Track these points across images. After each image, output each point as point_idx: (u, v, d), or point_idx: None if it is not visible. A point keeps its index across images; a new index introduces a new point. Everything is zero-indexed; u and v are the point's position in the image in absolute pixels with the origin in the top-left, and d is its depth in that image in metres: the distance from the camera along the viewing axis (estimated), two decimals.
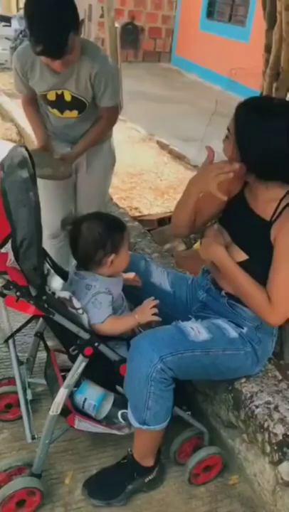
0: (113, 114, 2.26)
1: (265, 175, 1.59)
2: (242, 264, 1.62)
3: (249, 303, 1.64)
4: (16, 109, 6.10)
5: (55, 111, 2.20)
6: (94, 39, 10.15)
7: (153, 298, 1.69)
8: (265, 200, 1.63)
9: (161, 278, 1.92)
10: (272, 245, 1.58)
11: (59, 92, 2.11)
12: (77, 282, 1.63)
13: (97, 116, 2.24)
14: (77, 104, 2.14)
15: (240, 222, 1.68)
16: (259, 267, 1.60)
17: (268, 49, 2.60)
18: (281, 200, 1.59)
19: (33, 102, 2.28)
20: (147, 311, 1.66)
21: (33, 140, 4.88)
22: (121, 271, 1.70)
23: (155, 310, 1.66)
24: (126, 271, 1.76)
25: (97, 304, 1.59)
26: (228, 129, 1.59)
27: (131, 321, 1.65)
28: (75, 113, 2.18)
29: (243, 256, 1.64)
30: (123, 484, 1.69)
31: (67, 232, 1.70)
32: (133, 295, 1.76)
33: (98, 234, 1.59)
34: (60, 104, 2.15)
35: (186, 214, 1.78)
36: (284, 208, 1.58)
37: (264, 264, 1.59)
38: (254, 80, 3.71)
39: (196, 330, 1.62)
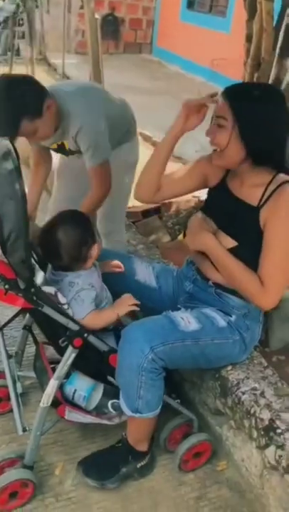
0: (100, 172, 2.09)
1: (262, 161, 1.59)
2: (231, 251, 1.63)
3: (241, 288, 1.65)
4: None
5: (61, 155, 2.30)
6: (74, 31, 10.06)
7: (130, 295, 1.70)
8: (252, 185, 1.63)
9: (146, 274, 1.92)
10: (262, 230, 1.59)
11: (59, 142, 2.15)
12: (59, 281, 1.63)
13: None
14: (78, 151, 2.14)
15: (226, 210, 1.68)
16: (248, 253, 1.61)
17: (248, 39, 2.61)
18: (268, 184, 1.60)
19: (41, 161, 2.37)
20: (125, 302, 1.67)
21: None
22: (96, 257, 1.68)
23: (134, 301, 1.67)
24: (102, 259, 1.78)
25: (80, 300, 1.60)
26: (221, 117, 1.55)
27: (111, 315, 1.66)
28: (79, 155, 2.18)
29: (231, 242, 1.64)
30: (117, 467, 1.71)
31: (38, 247, 1.65)
32: (118, 296, 1.74)
33: (78, 234, 1.60)
34: (62, 151, 2.22)
35: (153, 174, 1.78)
36: (272, 193, 1.58)
37: (253, 249, 1.60)
38: (235, 71, 3.72)
39: (186, 320, 1.64)
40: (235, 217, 1.65)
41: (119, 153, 2.25)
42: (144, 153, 4.79)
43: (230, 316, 1.72)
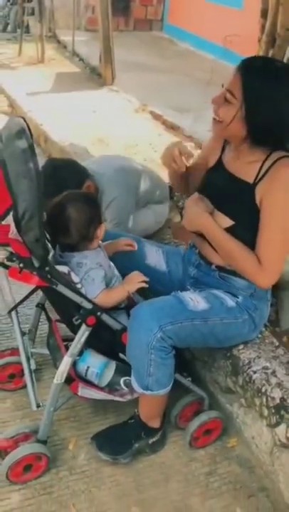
0: None
1: (262, 142, 1.57)
2: (228, 230, 1.61)
3: (239, 267, 1.64)
4: (7, 80, 5.99)
5: None
6: (84, 7, 9.88)
7: (138, 272, 1.71)
8: (248, 161, 1.61)
9: (156, 258, 1.92)
10: (258, 207, 1.57)
11: None
12: (68, 262, 1.63)
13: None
14: None
15: (222, 188, 1.67)
16: (246, 231, 1.60)
17: (264, 14, 2.55)
18: (264, 161, 1.57)
19: None
20: (135, 279, 1.69)
21: (25, 112, 4.82)
22: (101, 239, 1.69)
23: (143, 278, 1.69)
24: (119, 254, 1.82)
25: (90, 280, 1.61)
26: (230, 93, 1.52)
27: (121, 292, 1.67)
28: None
29: (228, 222, 1.62)
30: (130, 442, 1.75)
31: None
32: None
33: (89, 212, 1.60)
34: None
35: (177, 180, 1.87)
36: (268, 169, 1.56)
37: (250, 227, 1.58)
38: (248, 48, 3.65)
39: (195, 300, 1.65)
40: (231, 196, 1.63)
41: (151, 210, 2.55)
42: (154, 130, 4.74)
43: (238, 298, 1.72)
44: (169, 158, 1.69)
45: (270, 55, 2.53)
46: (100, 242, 1.71)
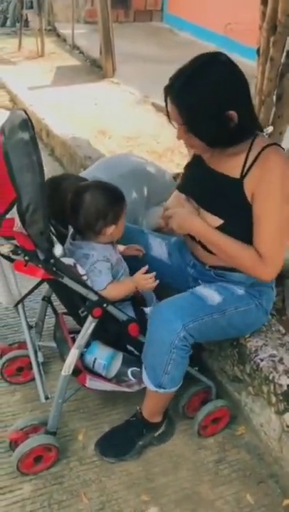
0: None
1: (228, 139, 1.52)
2: (218, 230, 1.57)
3: (240, 265, 1.60)
4: (8, 75, 5.98)
5: None
6: None
7: (147, 268, 1.68)
8: (230, 154, 1.56)
9: (160, 250, 1.92)
10: (248, 202, 1.53)
11: None
12: (74, 252, 1.64)
13: None
14: None
15: (206, 186, 1.61)
16: (237, 229, 1.56)
17: (264, 1, 2.52)
18: (248, 152, 1.52)
19: None
20: (144, 278, 1.66)
21: (27, 106, 4.81)
22: (117, 238, 1.69)
23: (151, 277, 1.66)
24: (123, 242, 1.80)
25: (97, 272, 1.61)
26: (177, 124, 1.50)
27: (129, 286, 1.67)
28: None
29: (217, 221, 1.57)
30: (133, 441, 1.75)
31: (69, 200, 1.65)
32: (136, 269, 1.73)
33: (102, 205, 1.59)
34: None
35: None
36: (254, 161, 1.51)
37: (241, 224, 1.55)
38: (250, 37, 3.62)
39: (210, 294, 1.65)
40: (217, 194, 1.58)
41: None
42: (156, 122, 4.72)
43: (240, 289, 1.70)
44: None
45: (271, 42, 2.50)
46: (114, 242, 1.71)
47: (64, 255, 1.54)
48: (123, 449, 1.75)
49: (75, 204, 1.60)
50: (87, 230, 1.62)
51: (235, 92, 1.46)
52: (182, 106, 1.46)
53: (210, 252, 1.66)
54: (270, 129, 2.68)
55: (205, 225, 1.59)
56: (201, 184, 1.64)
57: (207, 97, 1.43)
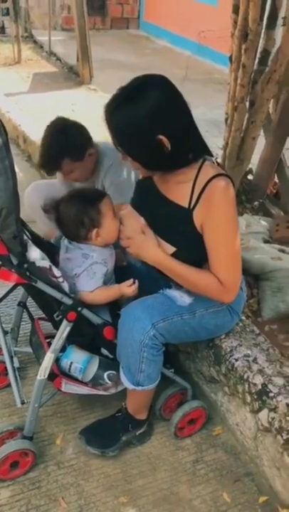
0: None
1: (162, 167, 1.53)
2: (173, 256, 1.57)
3: (202, 292, 1.60)
4: None
5: None
6: (59, 6, 9.84)
7: (132, 280, 1.69)
8: (176, 182, 1.56)
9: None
10: (198, 231, 1.53)
11: None
12: (74, 250, 1.67)
13: None
14: None
15: (157, 213, 1.59)
16: (190, 255, 1.56)
17: (235, 10, 2.57)
18: (195, 181, 1.52)
19: None
20: (130, 287, 1.68)
21: (3, 113, 4.79)
22: (113, 240, 1.68)
23: (136, 286, 1.69)
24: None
25: (92, 273, 1.63)
26: (116, 146, 1.52)
27: (116, 292, 1.69)
28: None
29: (170, 248, 1.57)
30: (118, 435, 1.77)
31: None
32: (116, 276, 1.76)
33: (73, 214, 1.61)
34: None
35: None
36: (201, 191, 1.50)
37: (194, 251, 1.56)
38: (223, 44, 3.69)
39: (180, 295, 1.67)
40: (168, 221, 1.58)
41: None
42: None
43: None
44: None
45: (243, 49, 2.56)
46: (111, 245, 1.72)
47: (42, 258, 1.55)
48: (107, 441, 1.77)
49: (57, 219, 1.65)
50: (76, 238, 1.66)
51: (169, 117, 1.43)
52: (114, 129, 1.47)
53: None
54: (219, 154, 2.73)
55: (162, 255, 1.56)
56: (153, 210, 1.61)
57: (137, 122, 1.41)
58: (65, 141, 2.04)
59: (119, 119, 1.44)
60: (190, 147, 1.51)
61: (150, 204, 1.63)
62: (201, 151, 1.56)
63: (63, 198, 1.67)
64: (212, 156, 1.60)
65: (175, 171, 1.54)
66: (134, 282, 1.69)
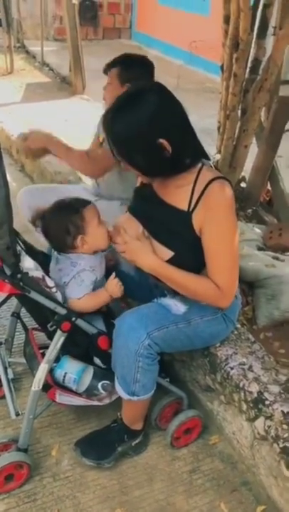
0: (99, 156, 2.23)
1: (161, 173, 1.54)
2: (169, 262, 1.57)
3: (199, 298, 1.60)
4: None
5: None
6: (52, 17, 9.88)
7: (116, 278, 1.69)
8: (175, 186, 1.57)
9: (128, 265, 1.86)
10: (197, 235, 1.54)
11: None
12: (64, 260, 1.67)
13: None
14: None
15: (155, 217, 1.61)
16: (187, 260, 1.56)
17: (226, 20, 2.60)
18: (194, 184, 1.53)
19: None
20: (114, 284, 1.68)
21: None
22: (102, 246, 1.67)
23: (120, 283, 1.69)
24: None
25: (79, 280, 1.63)
26: (117, 156, 1.53)
27: (104, 296, 1.68)
28: None
29: (168, 253, 1.57)
30: (113, 446, 1.75)
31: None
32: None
33: (58, 222, 1.62)
34: None
35: None
36: (201, 194, 1.51)
37: (191, 255, 1.56)
38: (214, 53, 3.72)
39: (174, 303, 1.66)
40: (166, 225, 1.58)
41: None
42: None
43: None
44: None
45: (234, 58, 2.58)
46: (102, 252, 1.72)
47: (36, 268, 1.55)
48: (103, 453, 1.75)
49: (43, 232, 1.66)
50: (64, 248, 1.65)
51: (168, 120, 1.45)
52: (114, 138, 1.48)
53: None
54: (217, 156, 2.75)
55: (158, 261, 1.55)
56: (151, 215, 1.62)
57: (137, 128, 1.43)
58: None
59: (119, 128, 1.45)
60: (189, 150, 1.53)
61: (149, 209, 1.64)
62: (200, 154, 1.58)
63: (48, 209, 1.67)
64: (209, 159, 1.62)
65: (175, 176, 1.55)
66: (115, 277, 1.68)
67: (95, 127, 2.52)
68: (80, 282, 1.64)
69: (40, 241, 1.91)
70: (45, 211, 1.67)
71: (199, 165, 1.56)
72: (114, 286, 1.68)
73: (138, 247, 1.57)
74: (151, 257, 1.56)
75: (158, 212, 1.61)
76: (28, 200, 2.35)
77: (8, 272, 1.42)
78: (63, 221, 1.62)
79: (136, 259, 1.59)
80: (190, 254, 1.57)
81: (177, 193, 1.57)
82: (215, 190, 1.51)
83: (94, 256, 1.68)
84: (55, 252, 1.70)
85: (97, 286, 1.70)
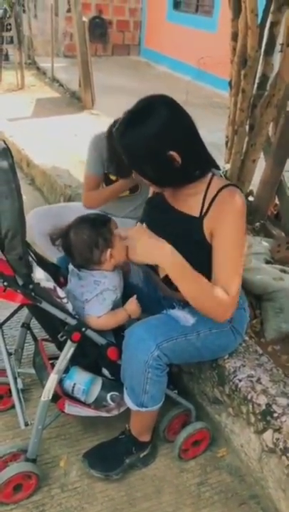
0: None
1: (173, 183, 1.58)
2: None
3: (208, 303, 1.54)
4: None
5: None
6: (62, 34, 10.07)
7: (135, 297, 1.72)
8: (186, 194, 1.60)
9: (137, 277, 1.92)
10: (207, 240, 1.56)
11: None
12: (86, 277, 1.68)
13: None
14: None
15: (166, 223, 1.62)
16: (198, 268, 1.54)
17: (234, 37, 2.65)
18: (206, 191, 1.57)
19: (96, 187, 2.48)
20: (134, 305, 1.71)
21: (7, 137, 4.87)
22: (123, 259, 1.68)
23: (139, 305, 1.71)
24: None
25: (102, 299, 1.66)
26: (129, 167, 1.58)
27: (124, 315, 1.70)
28: (127, 192, 2.45)
29: None
30: (121, 458, 1.75)
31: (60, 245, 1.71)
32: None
33: (87, 235, 1.63)
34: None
35: None
36: (212, 200, 1.55)
37: (200, 262, 1.55)
38: (222, 69, 3.77)
39: (183, 315, 1.68)
40: (177, 231, 1.59)
41: None
42: None
43: None
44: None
45: (242, 74, 2.62)
46: (118, 268, 1.73)
47: (47, 279, 1.57)
48: (111, 465, 1.75)
49: (66, 247, 1.66)
50: (88, 264, 1.67)
51: (178, 132, 1.48)
52: (126, 151, 1.53)
53: (175, 289, 1.61)
54: (227, 166, 2.78)
55: (182, 258, 1.51)
56: (162, 222, 1.64)
57: (147, 140, 1.46)
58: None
59: (130, 140, 1.50)
60: (199, 161, 1.57)
61: (160, 217, 1.68)
62: (209, 165, 1.61)
63: (71, 225, 1.68)
64: (220, 169, 1.65)
65: (186, 186, 1.58)
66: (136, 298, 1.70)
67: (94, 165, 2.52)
68: (101, 301, 1.66)
69: (45, 255, 1.94)
70: (69, 227, 1.67)
71: (210, 175, 1.60)
72: (134, 307, 1.71)
73: (151, 239, 1.54)
74: (168, 248, 1.50)
75: (169, 220, 1.64)
76: (36, 223, 2.42)
77: (20, 282, 1.44)
78: (93, 235, 1.63)
79: (151, 250, 1.53)
80: (201, 262, 1.57)
81: (188, 201, 1.61)
82: (226, 196, 1.54)
83: (116, 275, 1.70)
84: (76, 269, 1.71)
85: (115, 305, 1.72)
